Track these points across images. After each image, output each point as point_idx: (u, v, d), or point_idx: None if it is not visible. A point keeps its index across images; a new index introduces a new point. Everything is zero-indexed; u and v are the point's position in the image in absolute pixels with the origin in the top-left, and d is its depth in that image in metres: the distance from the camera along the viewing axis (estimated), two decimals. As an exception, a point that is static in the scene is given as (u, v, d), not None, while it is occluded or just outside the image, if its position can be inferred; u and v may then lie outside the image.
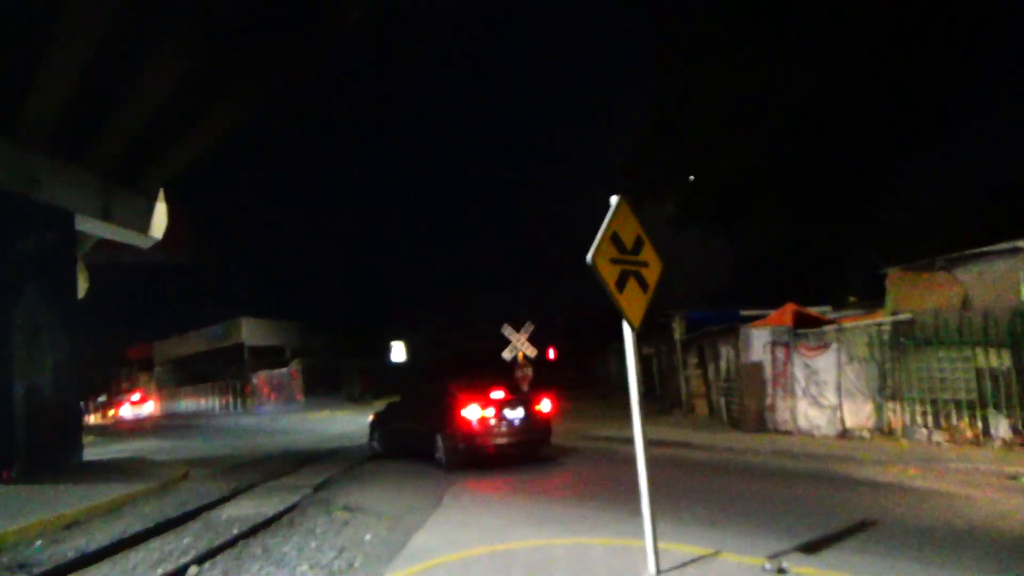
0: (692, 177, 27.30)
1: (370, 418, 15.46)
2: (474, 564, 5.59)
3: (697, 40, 24.80)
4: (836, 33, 21.41)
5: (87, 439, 19.58)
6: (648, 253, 5.34)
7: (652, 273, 5.35)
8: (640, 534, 5.28)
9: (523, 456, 11.91)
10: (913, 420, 11.39)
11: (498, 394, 11.90)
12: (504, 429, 11.54)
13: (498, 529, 7.11)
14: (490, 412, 11.45)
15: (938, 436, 10.88)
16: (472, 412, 11.38)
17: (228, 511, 9.65)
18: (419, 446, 12.68)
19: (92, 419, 51.35)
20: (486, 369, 17.08)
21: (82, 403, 33.99)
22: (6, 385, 13.80)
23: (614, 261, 5.09)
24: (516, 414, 11.69)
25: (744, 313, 18.19)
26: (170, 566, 6.77)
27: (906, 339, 11.46)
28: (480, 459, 11.50)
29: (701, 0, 24.98)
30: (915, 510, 7.16)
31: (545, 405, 12.23)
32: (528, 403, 12.06)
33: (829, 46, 21.59)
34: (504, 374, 17.36)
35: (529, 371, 20.00)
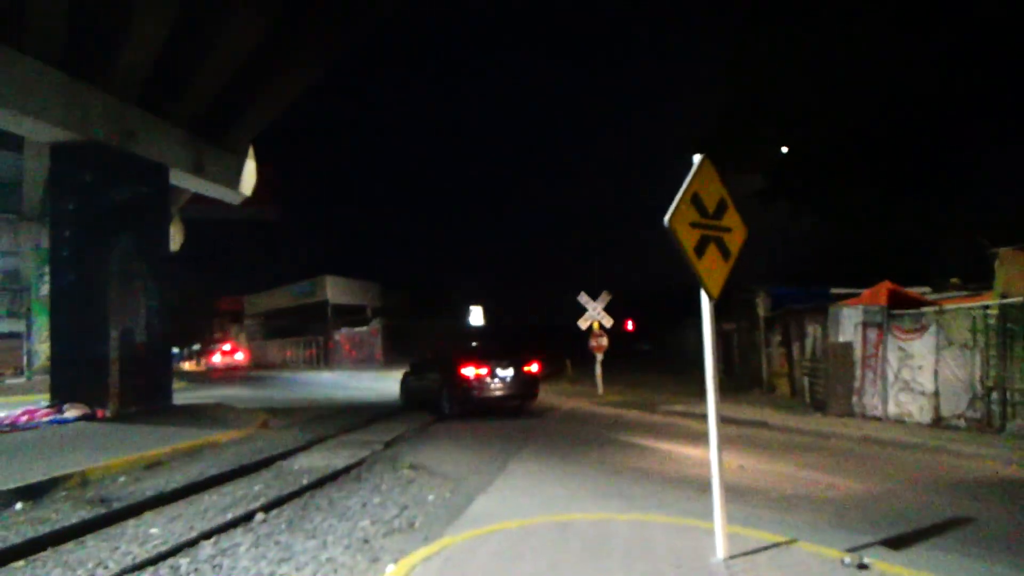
0: (785, 149, 26.04)
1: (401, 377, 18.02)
2: (533, 533, 5.44)
3: (788, 8, 23.46)
4: (937, 7, 19.83)
5: (179, 384, 20.61)
6: (732, 218, 4.96)
7: (735, 240, 4.98)
8: (707, 515, 5.01)
9: (517, 409, 15.06)
10: (1016, 413, 10.54)
11: (491, 358, 14.60)
12: (495, 385, 14.37)
13: (561, 499, 6.95)
14: (483, 371, 14.29)
15: (1045, 431, 10.03)
16: (469, 371, 14.24)
17: (300, 461, 9.87)
18: (430, 399, 15.48)
19: (186, 366, 54.23)
20: (495, 340, 22.35)
21: (176, 350, 35.89)
22: (102, 329, 14.53)
23: (694, 225, 4.74)
24: (507, 373, 14.47)
25: (834, 291, 17.25)
26: (239, 511, 6.94)
27: (1015, 325, 10.55)
28: (475, 408, 14.38)
29: None
30: (1013, 510, 6.58)
31: (534, 367, 15.05)
32: (519, 364, 14.70)
33: (930, 22, 20.03)
34: (507, 344, 19.34)
35: (604, 340, 19.70)
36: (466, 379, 14.20)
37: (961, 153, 21.97)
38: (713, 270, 4.81)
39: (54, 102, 13.49)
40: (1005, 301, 10.77)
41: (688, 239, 4.68)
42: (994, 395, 10.77)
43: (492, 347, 17.10)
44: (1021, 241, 11.28)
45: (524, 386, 14.78)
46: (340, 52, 16.93)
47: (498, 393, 14.40)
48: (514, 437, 11.56)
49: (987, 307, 11.09)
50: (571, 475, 8.34)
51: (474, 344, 17.96)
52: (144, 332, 15.57)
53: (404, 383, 17.48)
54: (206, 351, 58.48)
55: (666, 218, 4.59)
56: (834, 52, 21.92)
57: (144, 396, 15.35)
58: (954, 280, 16.56)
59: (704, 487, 6.48)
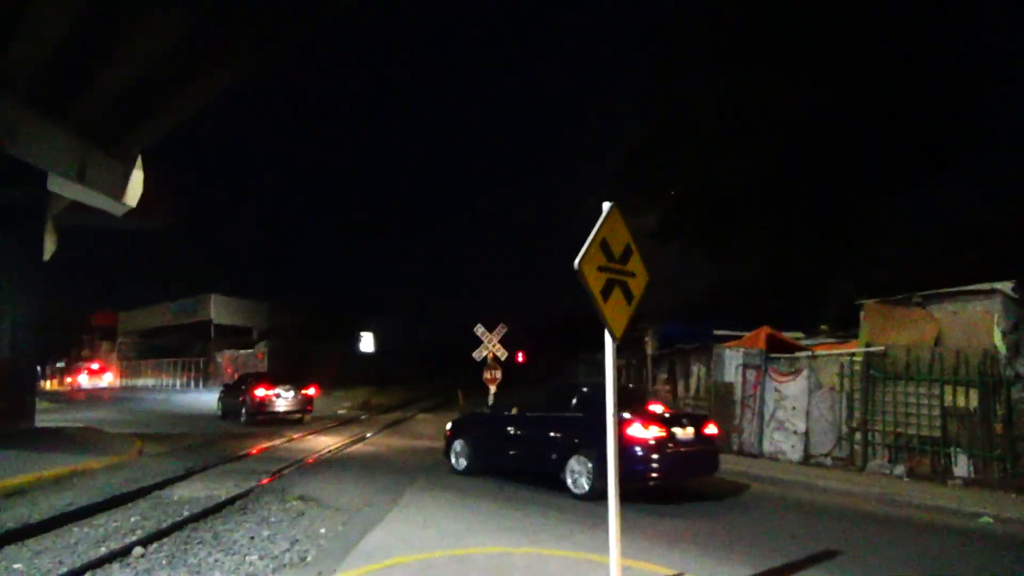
0: (672, 192, 27.32)
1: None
2: (431, 567, 5.43)
3: (693, 55, 24.87)
4: (832, 61, 21.58)
5: (40, 405, 19.07)
6: (636, 263, 5.21)
7: (638, 284, 5.23)
8: (602, 548, 5.17)
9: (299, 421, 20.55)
10: (875, 452, 11.44)
11: (278, 383, 20.52)
12: (278, 403, 20.15)
13: (457, 532, 6.95)
14: (269, 392, 20.08)
15: (899, 469, 10.93)
16: (259, 392, 20.02)
17: (179, 491, 9.39)
18: (235, 410, 20.77)
19: (48, 385, 50.25)
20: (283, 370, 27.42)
21: (38, 368, 33.23)
22: (-41, 342, 13.37)
23: (601, 269, 4.95)
24: (288, 395, 20.38)
25: (718, 332, 18.19)
26: (114, 544, 6.53)
27: (876, 371, 11.50)
28: (262, 419, 19.88)
29: (700, 16, 25.03)
30: (876, 541, 7.14)
31: (311, 390, 21.53)
32: (299, 388, 20.88)
33: (825, 73, 21.74)
34: (291, 373, 24.21)
35: (498, 373, 19.84)
36: (256, 398, 19.97)
37: (847, 204, 23.72)
38: (617, 313, 5.02)
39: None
40: (868, 349, 11.74)
41: (596, 282, 4.88)
42: (857, 435, 11.65)
43: (279, 374, 23.19)
44: (890, 292, 12.32)
45: (302, 402, 20.89)
46: (252, 67, 16.46)
47: (282, 408, 20.25)
48: (406, 469, 11.44)
49: (853, 354, 12.04)
50: (466, 508, 8.34)
51: (265, 372, 25.77)
52: (7, 347, 14.44)
53: (220, 399, 22.67)
54: (72, 369, 54.39)
55: (576, 261, 4.77)
56: (733, 99, 23.28)
57: (4, 417, 14.16)
58: (824, 327, 17.86)
59: (595, 523, 6.67)
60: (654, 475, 8.67)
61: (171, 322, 48.63)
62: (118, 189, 18.53)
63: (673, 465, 8.89)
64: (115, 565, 5.89)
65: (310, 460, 12.56)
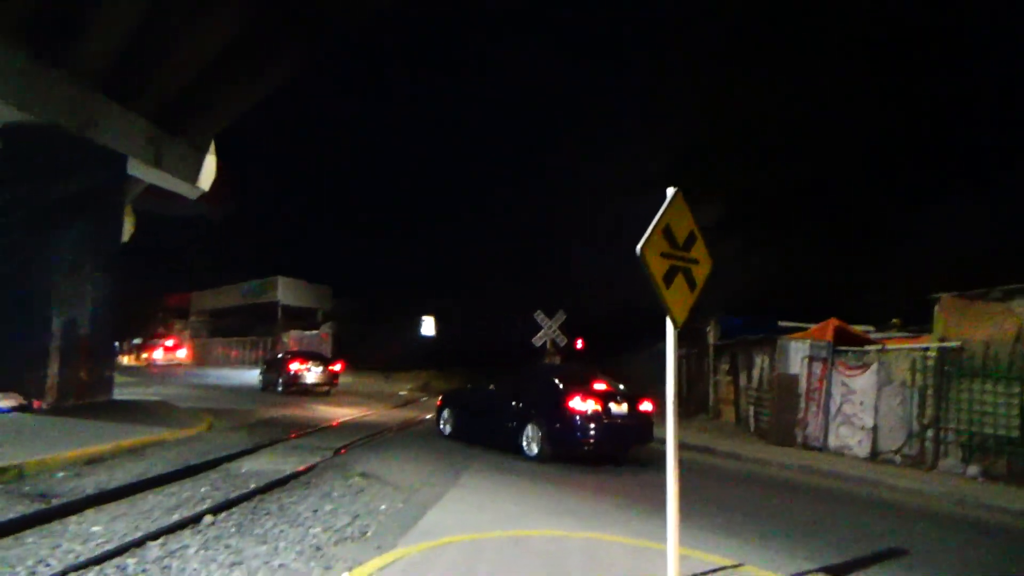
0: (748, 184, 26.85)
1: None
2: (488, 548, 5.49)
3: (752, 57, 24.38)
4: (894, 59, 20.88)
5: (118, 379, 20.00)
6: (699, 250, 5.13)
7: (701, 271, 5.15)
8: (659, 536, 5.14)
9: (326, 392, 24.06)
10: (947, 451, 11.02)
11: (308, 360, 24.39)
12: (310, 376, 23.71)
13: (514, 515, 7.01)
14: (303, 367, 23.79)
15: (973, 469, 10.51)
16: (294, 366, 23.75)
17: (248, 464, 9.71)
18: (273, 383, 24.37)
19: (126, 360, 52.56)
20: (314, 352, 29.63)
21: (116, 343, 34.95)
22: (45, 317, 14.09)
23: (664, 255, 4.89)
24: (317, 369, 23.97)
25: (783, 323, 17.78)
26: (186, 512, 6.81)
27: (951, 367, 11.06)
28: (294, 390, 23.49)
29: (759, 22, 24.50)
30: (945, 542, 6.89)
31: (337, 367, 25.44)
32: (326, 365, 24.54)
33: (888, 70, 21.07)
34: (321, 354, 28.45)
35: (557, 359, 19.88)
36: (291, 371, 23.66)
37: (915, 200, 22.99)
38: (679, 299, 4.96)
39: (12, 82, 13.10)
40: (943, 344, 11.28)
41: (658, 268, 4.82)
42: (929, 433, 11.24)
43: (309, 355, 25.94)
44: (963, 289, 11.82)
45: (329, 376, 24.33)
46: (315, 54, 16.86)
47: (311, 381, 23.72)
48: (465, 452, 11.57)
49: (927, 349, 11.60)
50: (523, 492, 8.40)
51: (297, 351, 29.33)
52: (88, 323, 15.14)
53: (261, 373, 26.26)
54: (148, 346, 56.79)
55: (639, 247, 4.72)
56: (801, 99, 22.76)
57: (85, 389, 14.90)
58: (895, 321, 17.24)
59: (655, 509, 6.62)
60: (591, 442, 10.52)
61: (240, 303, 50.22)
62: (192, 173, 19.18)
63: (608, 435, 10.69)
64: (186, 532, 6.14)
65: (368, 438, 12.83)
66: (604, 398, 10.81)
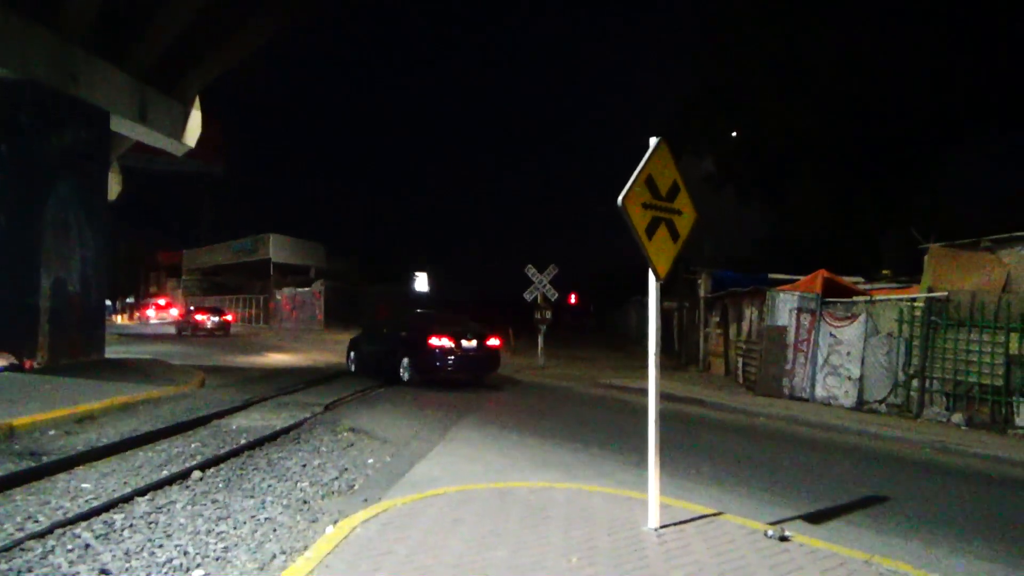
0: (734, 134, 26.55)
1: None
2: (474, 499, 5.55)
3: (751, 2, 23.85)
4: (899, 7, 20.47)
5: (110, 338, 20.01)
6: (683, 201, 5.07)
7: (685, 223, 5.10)
8: (642, 486, 5.21)
9: None
10: (932, 400, 11.15)
11: (205, 312, 34.70)
12: (208, 323, 33.31)
13: (500, 467, 7.09)
14: (202, 317, 33.36)
15: (957, 417, 10.65)
16: (198, 317, 33.74)
17: (238, 421, 9.77)
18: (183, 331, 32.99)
19: (119, 319, 52.52)
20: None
21: (109, 303, 35.29)
22: (33, 277, 14.02)
23: (646, 206, 4.83)
24: (215, 319, 33.81)
25: (772, 276, 17.80)
26: (175, 468, 6.86)
27: (938, 317, 11.12)
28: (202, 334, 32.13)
29: None
30: (927, 489, 7.00)
31: (228, 316, 35.64)
32: (221, 315, 34.35)
33: (892, 20, 20.65)
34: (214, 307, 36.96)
35: (548, 313, 19.91)
36: (196, 321, 33.39)
37: (909, 150, 22.80)
38: (662, 251, 4.91)
39: (-11, 36, 12.79)
40: (930, 295, 11.32)
41: (640, 220, 4.77)
42: (914, 383, 11.36)
43: (209, 308, 36.22)
44: (953, 239, 11.81)
45: (222, 324, 33.54)
46: (298, 10, 16.45)
47: (209, 327, 32.39)
48: (455, 405, 11.66)
49: (914, 299, 11.64)
50: (511, 443, 8.49)
51: (199, 306, 38.09)
52: (78, 282, 15.08)
53: (177, 324, 34.26)
54: (140, 305, 56.73)
55: (619, 198, 4.66)
56: (796, 48, 22.36)
57: (76, 348, 14.91)
58: (886, 271, 17.28)
59: (639, 461, 6.70)
60: (446, 369, 13.74)
61: (232, 260, 50.02)
62: (178, 129, 18.90)
63: (459, 364, 13.87)
64: (175, 487, 6.20)
65: (361, 394, 12.92)
66: (456, 336, 13.85)
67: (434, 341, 13.64)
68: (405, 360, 14.14)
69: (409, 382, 13.93)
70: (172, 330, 36.46)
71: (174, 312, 54.13)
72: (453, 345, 13.71)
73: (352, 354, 16.58)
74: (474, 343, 14.02)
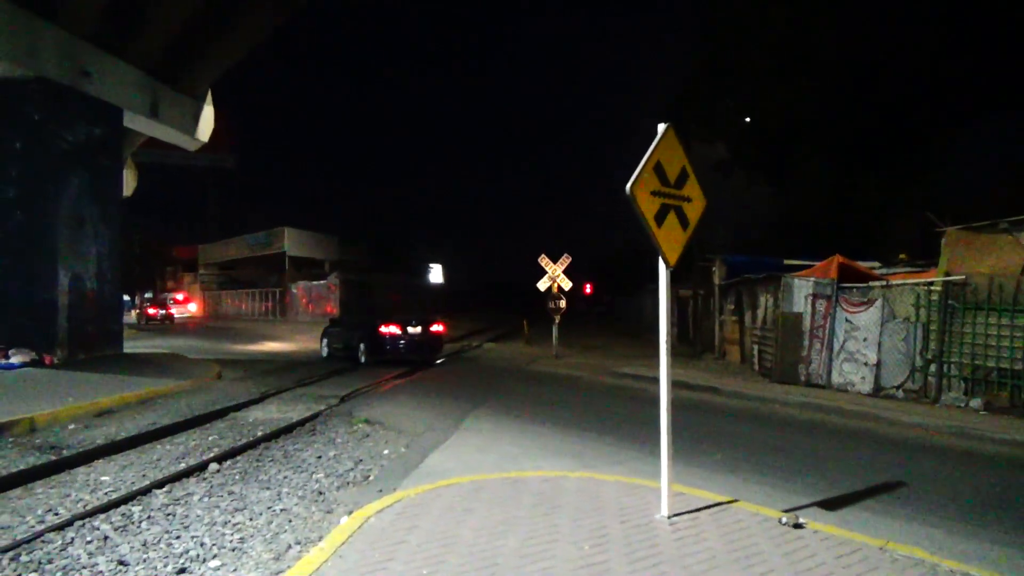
0: (748, 119, 26.28)
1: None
2: (487, 488, 5.57)
3: None
4: None
5: (129, 332, 20.24)
6: (692, 188, 5.03)
7: (694, 210, 5.06)
8: (656, 474, 5.20)
9: None
10: (950, 385, 11.04)
11: (175, 304, 46.92)
12: (175, 314, 43.47)
13: (515, 457, 7.11)
14: (164, 310, 42.99)
15: (975, 402, 10.53)
16: (171, 309, 43.45)
17: (254, 413, 9.87)
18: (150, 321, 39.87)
19: (134, 314, 53.08)
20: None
21: (127, 297, 36.07)
22: (51, 273, 14.17)
23: (655, 194, 4.79)
24: (162, 311, 42.56)
25: (788, 262, 17.65)
26: (192, 461, 6.94)
27: (955, 301, 10.99)
28: (176, 324, 39.49)
29: None
30: (944, 474, 6.94)
31: (191, 305, 52.20)
32: (166, 309, 43.19)
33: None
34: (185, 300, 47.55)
35: (563, 303, 19.89)
36: (149, 314, 40.11)
37: (922, 130, 22.46)
38: (672, 238, 4.88)
39: (0, 34, 12.89)
40: (948, 279, 11.19)
41: (648, 207, 4.74)
42: (932, 368, 11.25)
43: (159, 302, 42.49)
44: (970, 221, 11.63)
45: (168, 317, 41.24)
46: (290, 8, 16.50)
47: (177, 316, 39.38)
48: (470, 396, 11.70)
49: (931, 284, 11.51)
50: (525, 433, 8.50)
51: (154, 300, 44.48)
52: (95, 278, 15.24)
53: (137, 317, 35.27)
54: (158, 300, 57.29)
55: (628, 186, 4.63)
56: (801, 26, 22.05)
57: (94, 343, 15.09)
58: (902, 256, 17.07)
59: (654, 449, 6.69)
60: (401, 351, 16.51)
61: (248, 254, 50.30)
62: (190, 124, 18.99)
63: (405, 347, 16.60)
64: (192, 479, 6.27)
65: (384, 387, 12.99)
66: (403, 323, 16.70)
67: (383, 329, 16.49)
68: (362, 345, 16.69)
69: (365, 363, 16.34)
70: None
71: (192, 307, 54.66)
72: (400, 332, 16.56)
73: (323, 341, 19.00)
74: (419, 329, 16.84)
